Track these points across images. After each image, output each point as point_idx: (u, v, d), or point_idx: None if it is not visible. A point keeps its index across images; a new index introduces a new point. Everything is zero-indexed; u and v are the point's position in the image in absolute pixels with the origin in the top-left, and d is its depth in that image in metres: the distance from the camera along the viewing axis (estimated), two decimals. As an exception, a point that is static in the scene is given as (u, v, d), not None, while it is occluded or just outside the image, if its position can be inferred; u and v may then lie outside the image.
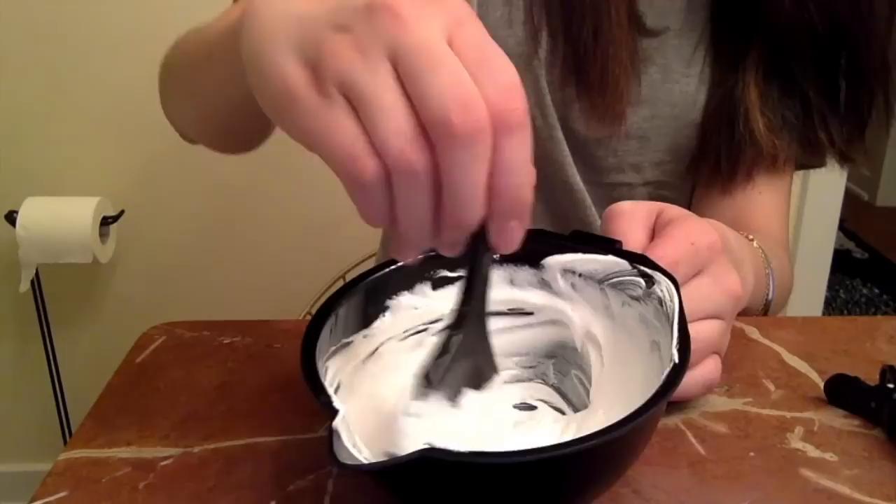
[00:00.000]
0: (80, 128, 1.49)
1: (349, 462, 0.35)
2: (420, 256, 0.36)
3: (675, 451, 0.49)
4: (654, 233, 0.51)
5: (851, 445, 0.50)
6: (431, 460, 0.33)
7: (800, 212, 1.66)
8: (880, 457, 0.49)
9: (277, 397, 0.55)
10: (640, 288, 0.46)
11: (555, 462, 0.36)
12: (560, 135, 0.70)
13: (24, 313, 1.59)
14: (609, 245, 0.48)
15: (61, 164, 1.51)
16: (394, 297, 0.50)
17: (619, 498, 0.45)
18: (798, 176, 0.81)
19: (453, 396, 0.39)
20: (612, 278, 0.47)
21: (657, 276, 0.45)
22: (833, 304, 2.72)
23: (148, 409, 0.54)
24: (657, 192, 0.75)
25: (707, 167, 0.72)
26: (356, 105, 0.32)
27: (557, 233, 0.50)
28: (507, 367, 0.51)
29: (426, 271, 0.51)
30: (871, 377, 0.52)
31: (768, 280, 0.66)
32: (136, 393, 0.56)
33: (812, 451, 0.49)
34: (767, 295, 0.66)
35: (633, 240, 0.49)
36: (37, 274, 1.50)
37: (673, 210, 0.52)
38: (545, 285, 0.50)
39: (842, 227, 2.88)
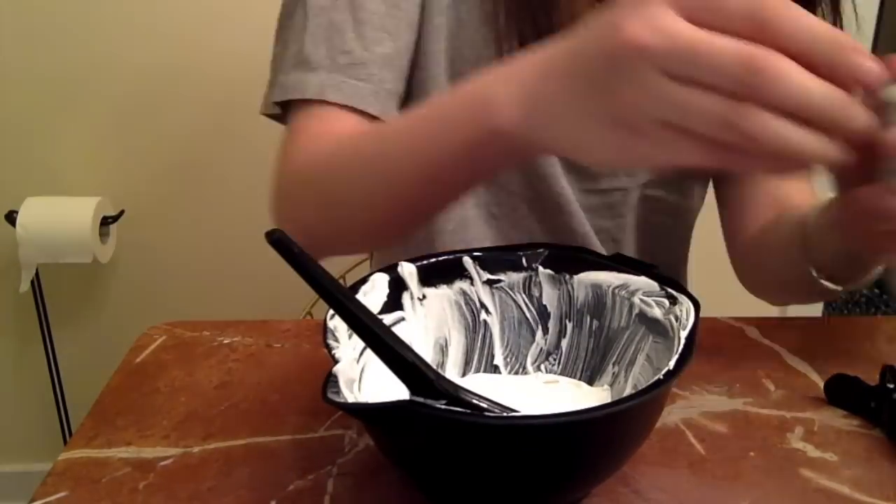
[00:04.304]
0: (80, 128, 1.49)
1: (337, 400, 0.38)
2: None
3: (675, 451, 0.49)
4: None
5: (851, 445, 0.50)
6: (412, 409, 0.36)
7: (800, 212, 1.65)
8: (880, 457, 0.49)
9: (277, 397, 0.55)
10: (664, 307, 0.48)
11: (537, 428, 0.37)
12: None
13: (24, 313, 1.59)
14: (646, 268, 0.50)
15: (61, 164, 1.51)
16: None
17: (619, 498, 0.45)
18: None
19: None
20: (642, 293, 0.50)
21: (681, 297, 0.47)
22: (833, 304, 2.72)
23: (148, 409, 0.54)
24: (652, 192, 0.74)
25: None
26: (676, 123, 0.35)
27: (600, 253, 0.54)
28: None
29: None
30: (871, 377, 0.52)
31: None
32: (136, 393, 0.56)
33: (812, 451, 0.49)
34: None
35: None
36: (37, 274, 1.50)
37: None
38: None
39: (842, 227, 2.88)
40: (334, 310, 0.41)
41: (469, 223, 0.72)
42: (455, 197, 0.55)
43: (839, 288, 0.59)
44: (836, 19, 0.66)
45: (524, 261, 0.53)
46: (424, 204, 0.55)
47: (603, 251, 0.73)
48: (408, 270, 0.51)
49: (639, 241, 0.77)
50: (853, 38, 0.34)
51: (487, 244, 0.72)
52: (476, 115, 0.45)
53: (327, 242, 0.62)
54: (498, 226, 0.73)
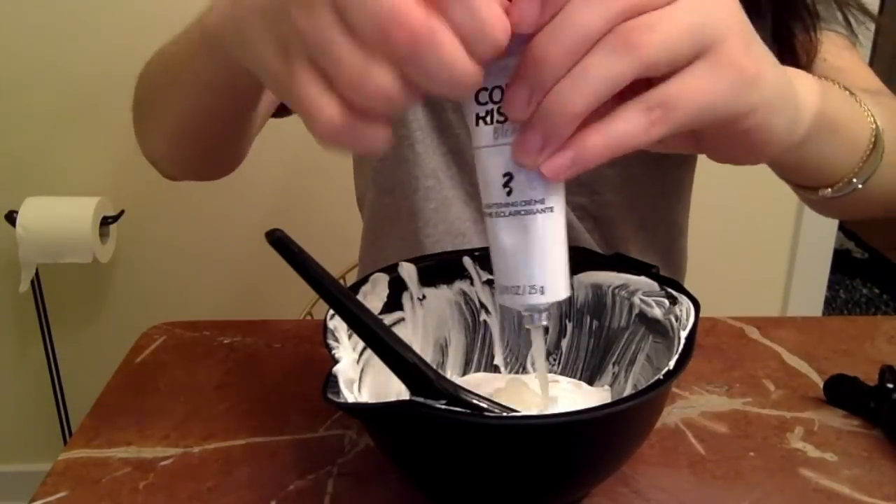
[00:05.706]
0: (80, 128, 1.49)
1: (337, 400, 0.38)
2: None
3: (675, 451, 0.49)
4: None
5: (851, 445, 0.50)
6: (412, 409, 0.36)
7: (800, 212, 1.66)
8: (880, 457, 0.49)
9: (277, 397, 0.55)
10: (664, 307, 0.48)
11: (536, 429, 0.37)
12: None
13: (24, 313, 1.59)
14: (646, 268, 0.50)
15: (61, 164, 1.51)
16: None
17: (619, 498, 0.45)
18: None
19: None
20: (642, 293, 0.50)
21: (681, 297, 0.47)
22: (833, 304, 2.72)
23: (148, 409, 0.54)
24: (628, 171, 0.72)
25: None
26: (317, 63, 0.32)
27: (600, 253, 0.54)
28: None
29: None
30: (871, 377, 0.52)
31: (863, 109, 0.50)
32: (136, 393, 0.56)
33: (812, 451, 0.49)
34: (872, 124, 0.50)
35: None
36: (37, 274, 1.50)
37: None
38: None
39: (842, 227, 2.88)
40: (334, 310, 0.41)
41: (450, 203, 0.73)
42: (226, 120, 0.55)
43: (816, 193, 0.52)
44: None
45: None
46: (199, 118, 0.56)
47: (583, 228, 0.73)
48: (407, 270, 0.51)
49: (626, 218, 0.76)
50: None
51: (468, 224, 0.72)
52: (202, 15, 0.46)
53: (164, 164, 0.65)
54: (475, 206, 0.73)
